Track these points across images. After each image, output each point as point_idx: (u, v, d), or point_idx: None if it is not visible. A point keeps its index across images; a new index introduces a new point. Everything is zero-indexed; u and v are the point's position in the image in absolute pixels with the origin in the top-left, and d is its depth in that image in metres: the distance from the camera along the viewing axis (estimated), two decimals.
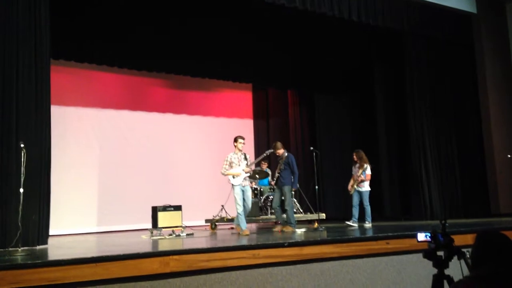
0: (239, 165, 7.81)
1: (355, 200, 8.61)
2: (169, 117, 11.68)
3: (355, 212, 8.55)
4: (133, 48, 9.78)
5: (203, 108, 12.15)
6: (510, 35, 11.68)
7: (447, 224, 2.87)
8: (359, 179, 8.52)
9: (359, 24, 9.65)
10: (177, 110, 11.80)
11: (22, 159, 5.47)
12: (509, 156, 10.19)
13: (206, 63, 10.75)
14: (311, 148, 8.80)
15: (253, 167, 8.09)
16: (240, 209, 7.68)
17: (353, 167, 8.86)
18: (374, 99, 11.81)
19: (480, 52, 11.29)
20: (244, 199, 7.75)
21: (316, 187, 8.65)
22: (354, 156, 8.79)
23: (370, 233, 6.98)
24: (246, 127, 12.90)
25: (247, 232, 7.56)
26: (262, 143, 13.09)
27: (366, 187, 8.58)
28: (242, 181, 7.75)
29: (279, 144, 8.26)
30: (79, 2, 8.74)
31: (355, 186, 8.58)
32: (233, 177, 7.75)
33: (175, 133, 11.64)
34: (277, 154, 8.23)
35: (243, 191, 7.74)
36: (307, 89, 12.82)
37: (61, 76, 9.68)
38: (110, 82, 10.87)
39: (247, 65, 11.34)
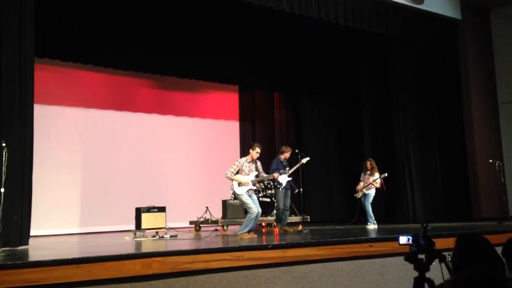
0: (248, 174, 7.38)
1: (364, 203, 9.30)
2: (154, 118, 11.60)
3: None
4: (119, 48, 9.74)
5: (189, 109, 12.10)
6: (494, 41, 11.87)
7: (428, 228, 2.89)
8: (375, 184, 9.15)
9: (345, 28, 9.72)
10: (163, 111, 11.73)
11: (3, 158, 5.39)
12: (490, 161, 10.32)
13: (193, 64, 10.76)
14: (297, 150, 8.83)
15: (262, 182, 7.75)
16: (255, 210, 7.16)
17: (362, 174, 9.46)
18: (359, 102, 11.91)
19: (464, 58, 11.45)
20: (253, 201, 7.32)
21: (301, 189, 8.68)
22: (368, 164, 9.36)
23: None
24: (232, 129, 12.89)
25: (248, 235, 7.10)
26: (247, 145, 13.06)
27: (371, 191, 9.26)
28: (248, 190, 7.34)
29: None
30: (64, 0, 8.66)
31: (364, 190, 9.22)
32: (239, 185, 7.27)
33: (160, 134, 11.57)
34: (287, 157, 8.52)
35: (249, 196, 7.33)
36: (293, 92, 12.88)
37: (45, 74, 9.56)
38: (95, 81, 10.77)
39: (234, 67, 11.37)
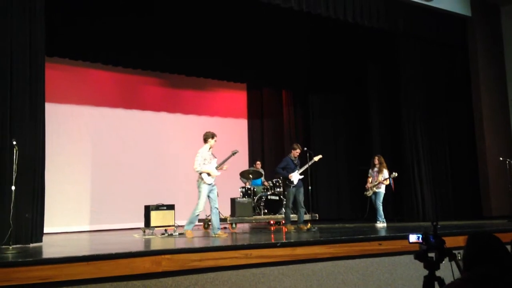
0: (210, 163, 7.33)
1: (375, 202, 9.20)
2: (163, 116, 11.64)
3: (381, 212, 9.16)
4: (128, 46, 9.77)
5: (197, 107, 12.12)
6: (504, 38, 11.76)
7: (438, 226, 2.88)
8: (384, 182, 9.02)
9: (354, 25, 9.69)
10: (171, 109, 11.77)
11: (14, 157, 5.43)
12: (501, 159, 10.24)
13: (201, 62, 10.78)
14: (305, 148, 8.81)
15: (224, 167, 7.58)
16: (201, 208, 7.27)
17: (370, 170, 9.31)
18: (368, 99, 11.86)
19: (474, 55, 11.35)
20: (212, 199, 7.30)
21: (310, 187, 8.66)
22: (376, 160, 9.24)
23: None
24: (240, 126, 12.89)
25: (192, 234, 7.29)
26: (256, 143, 13.09)
27: (382, 189, 9.13)
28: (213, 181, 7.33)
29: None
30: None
31: (374, 188, 9.09)
32: (208, 175, 7.23)
33: (169, 132, 11.60)
34: (297, 155, 8.39)
35: (211, 190, 7.30)
36: (301, 89, 12.85)
37: (55, 73, 9.63)
38: (105, 80, 10.83)
39: (241, 65, 11.37)
